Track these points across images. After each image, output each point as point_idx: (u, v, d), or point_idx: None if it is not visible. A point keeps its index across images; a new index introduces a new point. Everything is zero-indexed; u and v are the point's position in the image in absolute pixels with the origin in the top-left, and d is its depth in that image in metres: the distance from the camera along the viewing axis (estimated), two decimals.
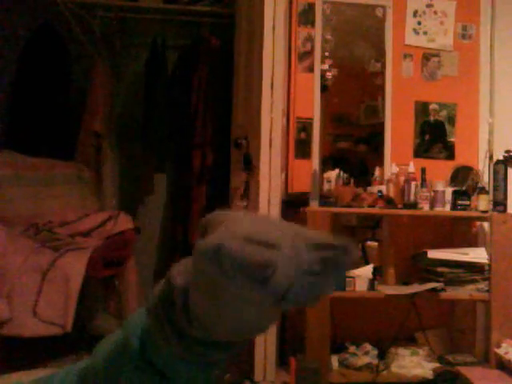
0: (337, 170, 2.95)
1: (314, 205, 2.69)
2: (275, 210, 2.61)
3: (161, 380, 0.49)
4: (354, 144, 3.32)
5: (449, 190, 2.89)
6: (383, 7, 3.15)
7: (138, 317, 0.50)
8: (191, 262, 0.45)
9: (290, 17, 3.04)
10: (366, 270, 2.72)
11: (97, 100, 3.29)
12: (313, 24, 3.07)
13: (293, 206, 2.87)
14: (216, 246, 0.39)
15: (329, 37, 3.13)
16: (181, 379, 0.48)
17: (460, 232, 3.06)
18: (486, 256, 2.76)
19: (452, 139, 3.17)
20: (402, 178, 2.93)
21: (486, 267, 2.75)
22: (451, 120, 3.17)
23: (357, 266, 2.62)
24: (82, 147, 3.30)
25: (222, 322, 0.44)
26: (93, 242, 2.58)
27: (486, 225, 3.02)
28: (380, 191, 2.86)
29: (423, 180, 2.88)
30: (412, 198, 2.84)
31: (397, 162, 3.03)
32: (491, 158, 3.08)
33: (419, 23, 3.16)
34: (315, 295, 0.41)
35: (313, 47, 3.07)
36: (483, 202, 2.82)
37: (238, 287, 0.40)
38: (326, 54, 3.12)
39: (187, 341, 0.46)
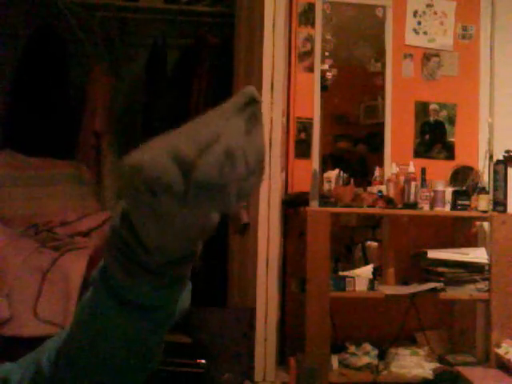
0: (337, 170, 2.95)
1: (313, 205, 2.68)
2: (275, 210, 2.61)
3: (142, 312, 0.51)
4: (353, 144, 3.32)
5: (449, 190, 2.89)
6: (383, 7, 3.15)
7: (99, 270, 0.53)
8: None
9: (290, 17, 3.04)
10: (366, 270, 2.72)
11: (97, 100, 3.29)
12: (313, 24, 3.07)
13: (293, 205, 2.87)
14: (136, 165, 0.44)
15: (329, 37, 3.13)
16: (155, 304, 0.51)
17: (460, 232, 3.06)
18: (486, 256, 2.76)
19: (452, 139, 3.17)
20: (401, 178, 2.92)
21: (486, 267, 2.76)
22: (451, 120, 3.17)
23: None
24: (82, 147, 3.30)
25: (167, 239, 0.45)
26: (93, 242, 2.57)
27: (486, 225, 3.02)
28: (380, 191, 2.86)
29: (423, 180, 2.88)
30: (412, 198, 2.84)
31: (397, 162, 3.03)
32: (491, 158, 3.08)
33: (419, 23, 3.16)
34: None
35: (313, 47, 3.07)
36: (483, 202, 2.82)
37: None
38: (326, 53, 3.12)
39: (150, 268, 0.48)
